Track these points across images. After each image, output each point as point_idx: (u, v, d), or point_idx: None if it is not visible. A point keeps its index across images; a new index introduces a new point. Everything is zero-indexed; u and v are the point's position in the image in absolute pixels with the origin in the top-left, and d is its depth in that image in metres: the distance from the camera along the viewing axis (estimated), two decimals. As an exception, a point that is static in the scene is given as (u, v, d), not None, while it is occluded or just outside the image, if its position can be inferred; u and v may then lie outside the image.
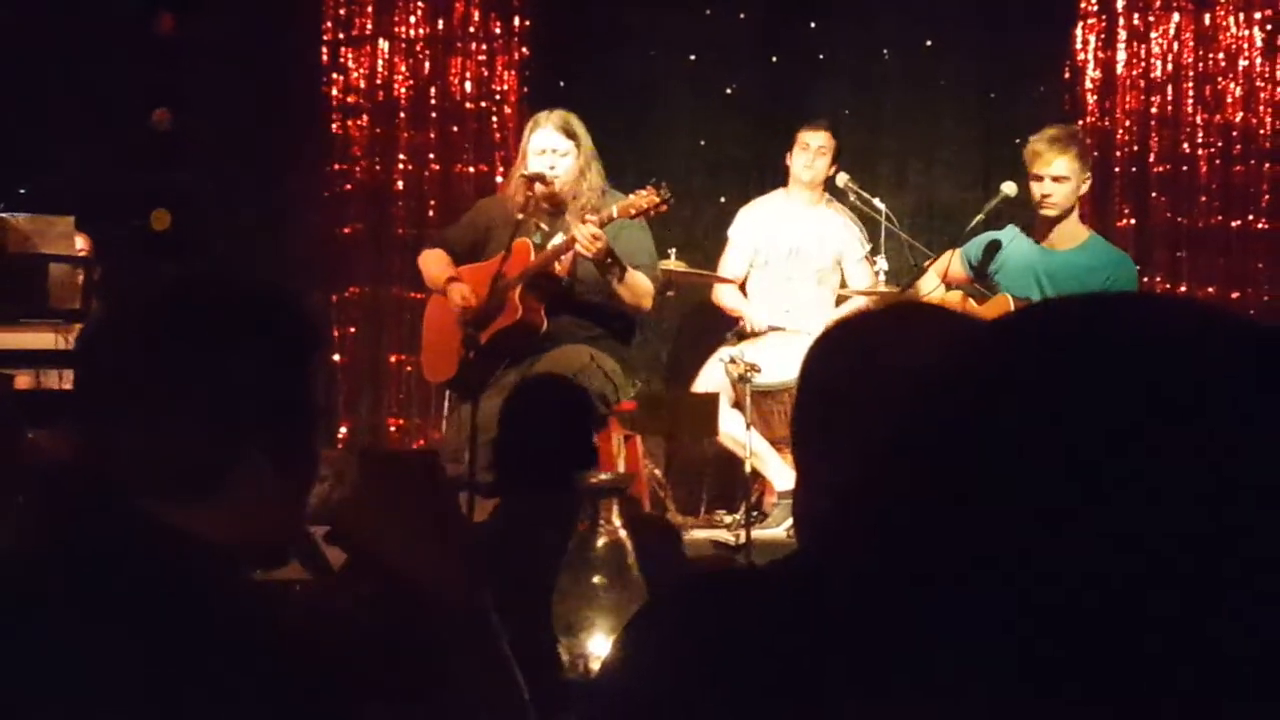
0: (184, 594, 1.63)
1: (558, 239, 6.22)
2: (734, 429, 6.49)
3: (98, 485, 1.70)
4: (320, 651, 1.65)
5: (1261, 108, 7.97)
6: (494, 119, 8.51)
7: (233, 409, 1.71)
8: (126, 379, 1.73)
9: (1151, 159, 8.13)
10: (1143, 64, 8.12)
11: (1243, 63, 7.98)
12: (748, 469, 6.28)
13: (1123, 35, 8.13)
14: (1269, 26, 7.95)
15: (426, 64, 8.51)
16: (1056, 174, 6.33)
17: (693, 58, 8.40)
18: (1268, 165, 7.98)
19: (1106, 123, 8.17)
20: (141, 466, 1.68)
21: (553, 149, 6.32)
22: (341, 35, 8.50)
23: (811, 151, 7.30)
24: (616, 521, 2.10)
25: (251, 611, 1.67)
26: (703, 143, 8.43)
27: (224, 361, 1.72)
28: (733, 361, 6.45)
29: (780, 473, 6.65)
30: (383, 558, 1.79)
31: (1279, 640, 0.67)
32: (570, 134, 6.34)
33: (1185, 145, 8.08)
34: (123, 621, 1.58)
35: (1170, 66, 8.08)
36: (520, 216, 6.25)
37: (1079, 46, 8.19)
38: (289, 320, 1.82)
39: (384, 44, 8.49)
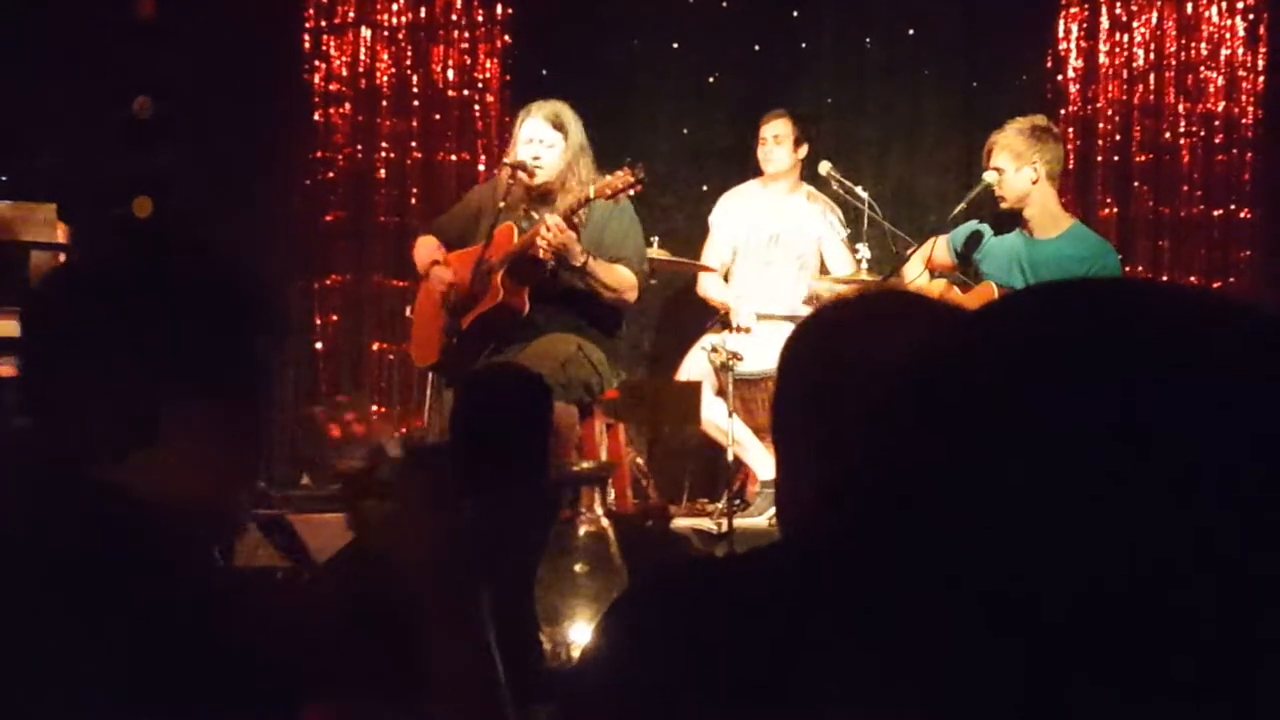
0: (123, 555, 1.63)
1: (543, 226, 6.22)
2: (717, 417, 6.49)
3: (47, 451, 1.71)
4: (277, 632, 1.65)
5: (1243, 97, 7.98)
6: (476, 107, 8.50)
7: (169, 363, 1.73)
8: (71, 327, 1.75)
9: (1134, 148, 8.14)
10: (1125, 53, 8.13)
11: (1225, 52, 7.99)
12: (730, 457, 6.28)
13: (1105, 25, 8.14)
14: (1251, 16, 7.96)
15: (409, 52, 8.49)
16: (994, 165, 6.37)
17: (675, 46, 8.40)
18: (1250, 155, 7.99)
19: (1089, 112, 8.18)
20: (79, 416, 1.70)
21: (539, 139, 6.31)
22: (324, 23, 8.48)
23: (769, 144, 7.30)
24: (598, 510, 2.10)
25: (191, 573, 1.68)
26: (685, 131, 8.43)
27: (169, 319, 1.74)
28: (715, 350, 6.45)
29: (763, 461, 6.65)
30: (394, 544, 1.79)
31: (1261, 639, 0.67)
32: (559, 126, 6.33)
33: (1167, 134, 8.09)
34: (60, 583, 1.59)
35: (1152, 56, 8.10)
36: (502, 204, 6.25)
37: (1061, 36, 8.20)
38: (243, 294, 1.84)
39: (366, 32, 8.47)
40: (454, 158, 8.48)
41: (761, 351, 6.29)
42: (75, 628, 1.57)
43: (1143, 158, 8.14)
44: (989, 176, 6.44)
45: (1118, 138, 8.16)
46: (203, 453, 1.75)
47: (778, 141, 7.28)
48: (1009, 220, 6.49)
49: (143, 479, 1.68)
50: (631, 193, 6.22)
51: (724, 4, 8.36)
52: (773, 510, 6.35)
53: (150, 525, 1.66)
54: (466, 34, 8.50)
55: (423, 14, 8.49)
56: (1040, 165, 6.32)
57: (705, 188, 8.08)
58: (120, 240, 1.86)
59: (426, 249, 6.59)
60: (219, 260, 1.85)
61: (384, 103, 8.49)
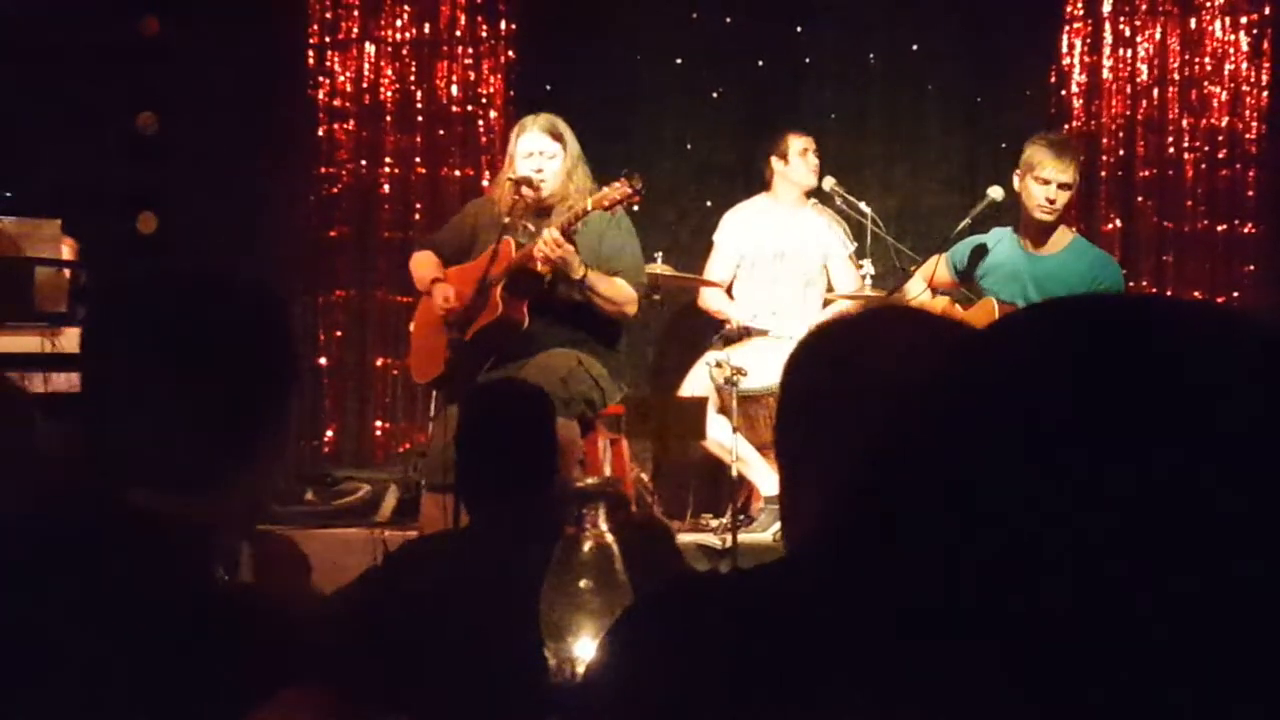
0: (159, 575, 1.64)
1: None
2: (720, 434, 6.48)
3: (84, 475, 1.73)
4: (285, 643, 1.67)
5: (1247, 112, 7.99)
6: (480, 122, 8.51)
7: (213, 403, 1.76)
8: (129, 374, 1.77)
9: (1137, 163, 8.14)
10: (1129, 68, 8.14)
11: (1228, 67, 8.00)
12: (734, 474, 6.27)
13: (1109, 39, 8.15)
14: (1254, 31, 7.97)
15: (413, 67, 8.51)
16: (1066, 181, 6.27)
17: (679, 61, 8.40)
18: (1253, 170, 8.00)
19: (1093, 127, 8.18)
20: (147, 458, 1.72)
21: (540, 151, 6.32)
22: (328, 39, 8.49)
23: (811, 154, 7.31)
24: (603, 525, 2.09)
25: (218, 593, 1.70)
26: (689, 146, 8.43)
27: (222, 362, 1.78)
28: (718, 365, 6.44)
29: (766, 477, 6.65)
30: None
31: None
32: (557, 136, 6.35)
33: (1171, 149, 8.10)
34: (97, 604, 1.60)
35: (1156, 71, 8.10)
36: (507, 219, 6.25)
37: (1065, 51, 8.20)
38: (283, 333, 1.90)
39: (370, 47, 8.49)
40: (458, 173, 8.49)
41: (765, 368, 6.28)
42: (80, 637, 1.59)
43: (1146, 173, 8.14)
44: (994, 192, 6.45)
45: (1121, 152, 8.16)
46: (253, 487, 1.79)
47: (816, 154, 7.32)
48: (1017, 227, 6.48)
49: (192, 510, 1.70)
50: (629, 205, 6.22)
51: (727, 19, 8.37)
52: (777, 526, 6.36)
53: (158, 540, 1.67)
54: (470, 49, 8.51)
55: (426, 29, 8.50)
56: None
57: (709, 203, 8.08)
58: (173, 277, 1.92)
59: (426, 265, 6.59)
60: (267, 302, 1.89)
61: (388, 118, 8.50)
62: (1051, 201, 6.28)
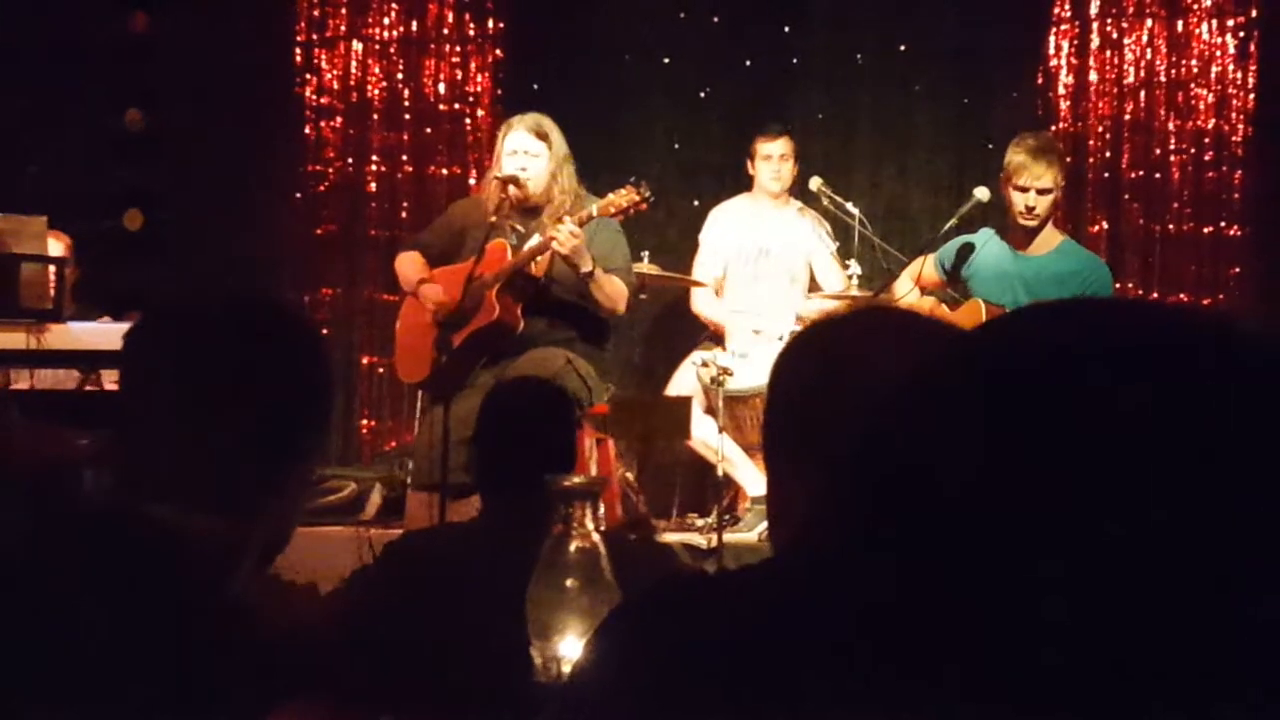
0: (165, 590, 1.64)
1: (534, 240, 6.21)
2: (706, 435, 6.48)
3: (84, 482, 1.74)
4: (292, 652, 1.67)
5: (1233, 114, 8.01)
6: (468, 120, 8.51)
7: (272, 428, 1.79)
8: (169, 391, 1.79)
9: (1124, 165, 8.16)
10: (1115, 70, 8.16)
11: (1215, 69, 8.02)
12: (720, 474, 6.27)
13: (1096, 41, 8.17)
14: (1241, 34, 7.99)
15: (400, 65, 8.50)
16: (1044, 187, 6.23)
17: (666, 61, 8.41)
18: (1239, 172, 8.02)
19: (1079, 128, 8.20)
20: (176, 475, 1.73)
21: (524, 150, 6.32)
22: (315, 36, 8.49)
23: (775, 161, 7.30)
24: (589, 525, 2.09)
25: (233, 611, 1.69)
26: (676, 145, 8.44)
27: (263, 389, 1.80)
28: (705, 365, 6.44)
29: (752, 478, 6.65)
30: None
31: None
32: (542, 136, 6.34)
33: (1157, 151, 8.12)
34: (102, 613, 1.60)
35: (1143, 73, 8.12)
36: (494, 219, 6.24)
37: (1052, 52, 8.22)
38: (322, 362, 1.93)
39: (358, 45, 8.49)
40: (445, 172, 8.49)
41: (752, 368, 6.29)
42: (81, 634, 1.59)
43: (1133, 174, 8.16)
44: (981, 193, 6.46)
45: (1108, 154, 8.18)
46: (279, 510, 1.80)
47: (784, 159, 7.30)
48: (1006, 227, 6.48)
49: (212, 528, 1.71)
50: (634, 212, 6.21)
51: (715, 19, 8.38)
52: (763, 526, 6.36)
53: (170, 554, 1.68)
54: (458, 48, 8.51)
55: (414, 27, 8.50)
56: (1061, 190, 6.35)
57: (697, 202, 8.08)
58: (222, 298, 1.95)
59: (411, 266, 6.57)
60: (310, 333, 1.97)
61: (375, 116, 8.51)
62: (1031, 209, 6.26)
